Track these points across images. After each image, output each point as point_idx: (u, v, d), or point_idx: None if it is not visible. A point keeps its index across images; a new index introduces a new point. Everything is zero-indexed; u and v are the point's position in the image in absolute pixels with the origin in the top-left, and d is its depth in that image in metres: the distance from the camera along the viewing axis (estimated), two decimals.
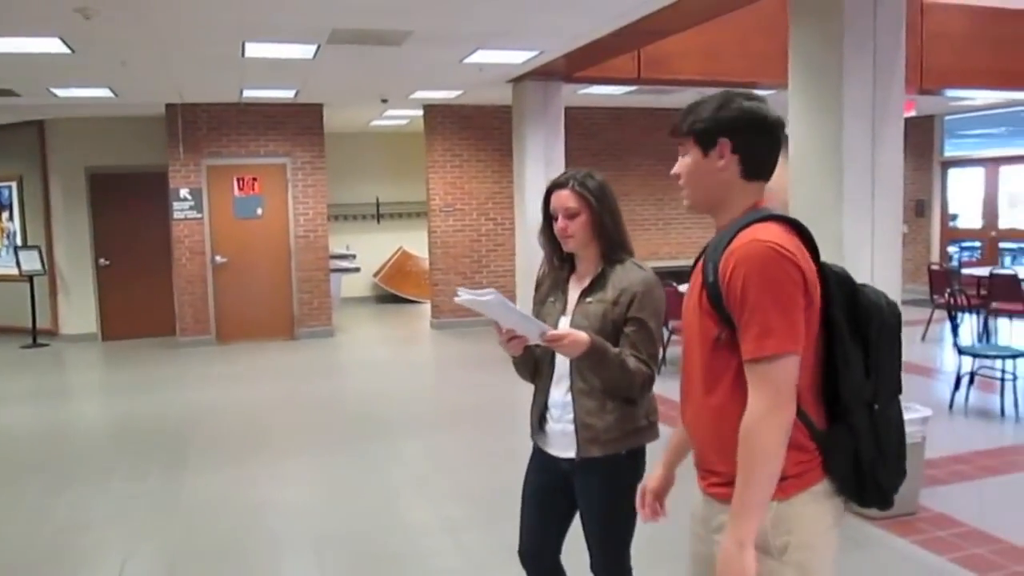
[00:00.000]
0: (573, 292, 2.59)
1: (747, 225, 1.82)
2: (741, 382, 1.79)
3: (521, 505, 2.73)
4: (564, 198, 2.53)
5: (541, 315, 2.59)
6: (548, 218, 2.59)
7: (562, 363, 2.54)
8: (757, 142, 1.89)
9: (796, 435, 1.78)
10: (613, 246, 2.54)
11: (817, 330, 1.83)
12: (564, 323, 2.52)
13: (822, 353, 1.85)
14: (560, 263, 2.64)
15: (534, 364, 2.64)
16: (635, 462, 2.55)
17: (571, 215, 2.51)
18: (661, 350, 8.08)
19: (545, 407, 2.61)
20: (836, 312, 1.84)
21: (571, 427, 2.52)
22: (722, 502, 1.85)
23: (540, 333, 2.35)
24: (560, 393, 2.56)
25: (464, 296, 2.29)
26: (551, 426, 2.60)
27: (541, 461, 2.67)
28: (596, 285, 2.53)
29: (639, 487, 2.28)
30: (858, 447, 1.84)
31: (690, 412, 1.98)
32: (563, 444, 2.55)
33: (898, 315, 1.92)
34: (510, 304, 2.32)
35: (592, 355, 2.37)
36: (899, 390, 1.93)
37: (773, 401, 1.73)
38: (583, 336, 2.35)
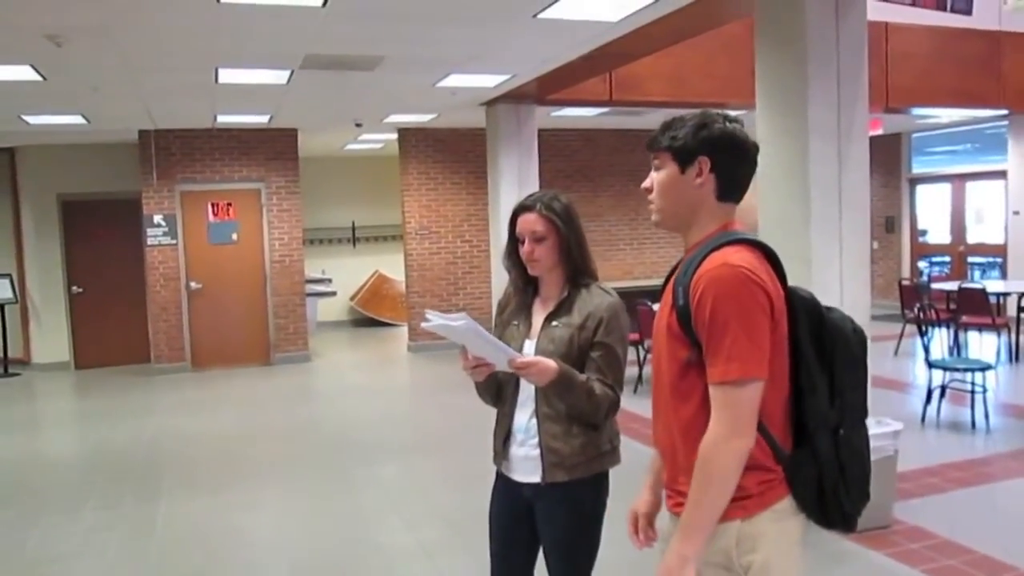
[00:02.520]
0: (538, 315, 2.57)
1: (717, 248, 1.83)
2: (708, 404, 1.79)
3: (489, 533, 2.69)
4: (531, 221, 2.50)
5: (504, 338, 2.55)
6: (514, 240, 2.56)
7: (527, 387, 2.50)
8: (735, 164, 1.90)
9: (760, 456, 1.80)
10: (578, 270, 2.52)
11: (786, 353, 1.85)
12: (529, 347, 2.50)
13: (790, 377, 1.86)
14: (524, 286, 2.61)
15: (497, 388, 2.59)
16: (599, 488, 2.53)
17: (538, 239, 2.48)
18: (638, 369, 8.19)
19: (509, 431, 2.56)
20: (802, 338, 1.86)
21: (535, 451, 2.48)
22: None
23: (508, 360, 2.32)
24: (525, 417, 2.52)
25: (434, 321, 2.23)
26: (515, 450, 2.55)
27: (504, 487, 2.62)
28: (562, 309, 2.50)
29: (630, 512, 2.22)
30: (821, 472, 1.84)
31: (660, 432, 1.98)
32: (526, 469, 2.52)
33: (864, 341, 1.93)
34: (481, 330, 2.29)
35: (560, 383, 2.35)
36: (864, 415, 1.94)
37: (733, 426, 1.75)
38: (551, 364, 2.33)
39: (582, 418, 2.45)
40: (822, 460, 1.84)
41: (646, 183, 1.98)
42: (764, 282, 1.78)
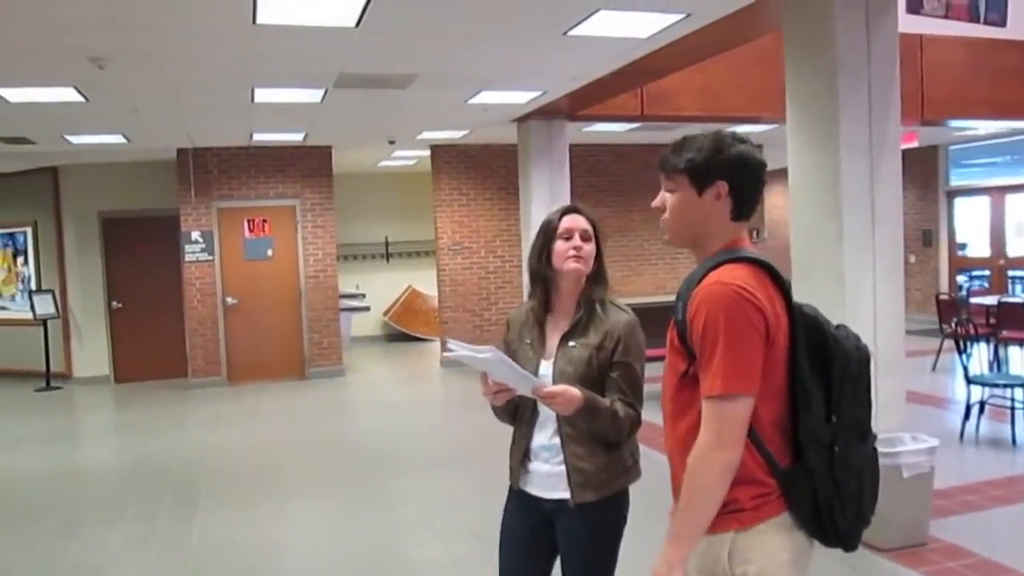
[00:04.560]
0: (552, 333, 2.54)
1: (718, 265, 1.88)
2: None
3: (500, 549, 2.66)
4: (581, 221, 2.52)
5: (516, 357, 2.51)
6: (546, 246, 2.51)
7: (534, 399, 2.45)
8: (749, 185, 1.94)
9: (754, 469, 1.83)
10: (600, 281, 2.53)
11: (784, 369, 1.87)
12: (545, 367, 2.48)
13: (788, 392, 1.88)
14: (543, 296, 2.55)
15: (514, 407, 2.56)
16: (621, 504, 2.53)
17: (586, 238, 2.50)
18: None
19: (528, 449, 2.54)
20: (799, 354, 1.88)
21: (559, 468, 2.46)
22: None
23: (533, 389, 2.31)
24: (546, 437, 2.51)
25: (458, 352, 2.21)
26: (536, 466, 2.53)
27: (521, 502, 2.59)
28: (578, 328, 2.48)
29: None
30: (816, 488, 1.85)
31: (667, 444, 2.02)
32: (548, 484, 2.50)
33: (867, 359, 1.95)
34: (507, 360, 2.28)
35: (586, 411, 2.34)
36: (865, 434, 1.94)
37: (717, 439, 1.79)
38: (576, 393, 2.31)
39: (606, 438, 2.45)
40: (815, 476, 1.85)
41: (656, 202, 2.01)
42: (758, 299, 1.81)
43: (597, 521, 2.49)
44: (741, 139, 1.94)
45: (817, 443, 1.86)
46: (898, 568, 4.17)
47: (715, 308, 1.80)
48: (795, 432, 1.88)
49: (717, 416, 1.79)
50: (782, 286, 1.90)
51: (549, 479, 2.50)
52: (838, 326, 1.95)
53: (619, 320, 2.48)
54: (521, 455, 2.56)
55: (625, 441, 2.49)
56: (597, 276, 2.52)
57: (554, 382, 2.40)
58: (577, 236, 2.49)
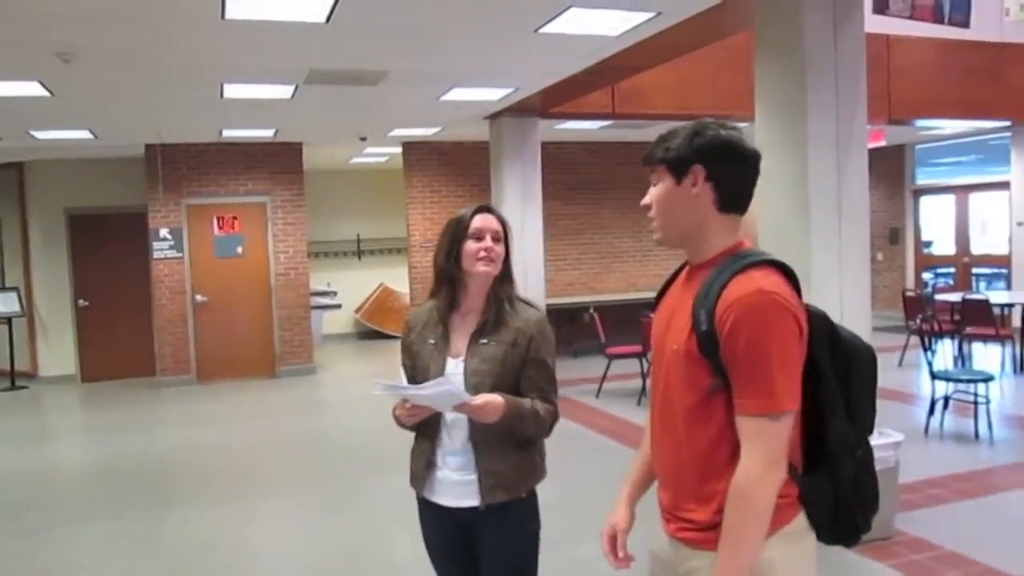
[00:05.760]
0: (458, 332, 2.47)
1: (742, 269, 1.73)
2: (730, 433, 1.73)
3: (433, 564, 2.62)
4: (493, 222, 2.47)
5: (420, 358, 2.48)
6: (457, 243, 2.46)
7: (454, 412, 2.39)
8: (732, 171, 1.81)
9: None
10: (508, 280, 2.49)
11: (804, 374, 1.77)
12: (454, 365, 2.42)
13: (808, 397, 1.78)
14: (449, 295, 2.48)
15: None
16: (535, 503, 2.50)
17: (497, 239, 2.46)
18: (641, 382, 8.20)
19: (433, 456, 2.46)
20: (821, 357, 1.79)
21: (471, 476, 2.39)
22: (693, 548, 1.80)
23: (457, 405, 2.26)
24: (457, 442, 2.42)
25: (391, 390, 2.25)
26: (444, 474, 2.44)
27: (435, 514, 2.51)
28: (490, 325, 2.43)
29: (605, 530, 2.07)
30: (838, 493, 1.80)
31: (667, 457, 1.89)
32: (459, 494, 2.42)
33: (875, 358, 1.87)
34: (458, 390, 2.24)
35: (510, 415, 2.31)
36: (871, 431, 1.88)
37: (770, 459, 1.68)
38: (500, 400, 2.29)
39: (529, 438, 2.43)
40: (842, 482, 1.80)
41: (645, 200, 1.88)
42: (795, 307, 1.71)
43: (518, 523, 2.46)
44: (725, 126, 1.82)
45: (846, 448, 1.80)
46: (865, 561, 4.23)
47: (760, 320, 1.67)
48: (815, 438, 1.81)
49: (766, 435, 1.68)
50: (798, 288, 1.80)
51: (460, 487, 2.42)
52: (839, 326, 1.86)
53: (530, 317, 2.46)
54: (427, 460, 2.48)
55: (547, 436, 2.47)
56: (504, 275, 2.48)
57: (466, 381, 2.35)
58: (488, 237, 2.43)
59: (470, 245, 2.43)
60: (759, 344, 1.67)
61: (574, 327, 11.19)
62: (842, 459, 1.79)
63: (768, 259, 1.79)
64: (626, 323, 9.25)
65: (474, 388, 2.33)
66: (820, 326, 1.80)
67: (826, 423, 1.79)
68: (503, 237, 2.48)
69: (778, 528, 1.74)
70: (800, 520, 1.79)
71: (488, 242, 2.43)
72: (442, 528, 2.53)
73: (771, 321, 1.67)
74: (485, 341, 2.42)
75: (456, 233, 2.47)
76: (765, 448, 1.68)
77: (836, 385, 1.80)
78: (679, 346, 1.79)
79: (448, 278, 2.47)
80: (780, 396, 1.67)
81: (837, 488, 1.79)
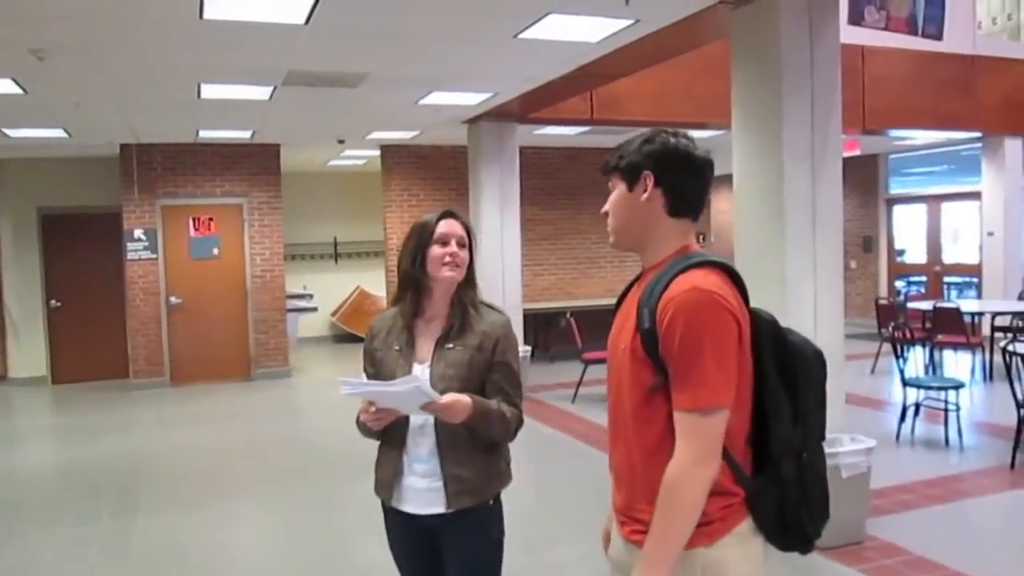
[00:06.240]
0: (423, 337, 2.47)
1: (684, 270, 1.79)
2: (673, 429, 1.75)
3: (399, 570, 2.61)
4: (458, 227, 2.47)
5: (384, 364, 2.48)
6: (422, 248, 2.45)
7: (419, 417, 2.38)
8: (681, 177, 1.86)
9: (723, 480, 1.77)
10: (471, 284, 2.50)
11: (750, 377, 1.82)
12: (419, 370, 2.41)
13: (753, 400, 1.83)
14: (414, 300, 2.48)
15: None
16: (500, 509, 2.49)
17: (462, 245, 2.46)
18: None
19: (399, 463, 2.44)
20: (766, 360, 1.83)
21: (438, 483, 2.39)
22: None
23: (424, 405, 2.25)
24: (424, 449, 2.41)
25: (361, 389, 2.24)
26: (411, 481, 2.43)
27: (401, 522, 2.49)
28: (455, 330, 2.43)
29: (605, 532, 2.11)
30: (783, 496, 1.82)
31: (619, 457, 1.92)
32: (426, 500, 2.41)
33: (824, 363, 1.90)
34: (426, 388, 2.22)
35: (476, 416, 2.31)
36: (823, 437, 1.91)
37: (701, 454, 1.71)
38: (466, 400, 2.29)
39: (495, 440, 2.44)
40: (786, 484, 1.82)
41: (605, 207, 1.96)
42: (733, 307, 1.75)
43: (482, 529, 2.45)
44: (678, 134, 1.88)
45: (789, 451, 1.83)
46: (836, 566, 4.26)
47: (694, 317, 1.71)
48: (762, 440, 1.84)
49: (697, 430, 1.71)
50: (743, 290, 1.84)
51: (427, 494, 2.41)
52: (789, 331, 1.90)
53: (495, 321, 2.47)
54: (394, 468, 2.45)
55: (512, 440, 2.48)
56: (468, 279, 2.49)
57: (432, 385, 2.31)
58: (454, 242, 2.44)
59: (435, 250, 2.43)
60: (693, 340, 1.71)
61: (551, 332, 11.21)
62: (783, 462, 1.82)
63: (711, 260, 1.84)
64: (603, 328, 9.08)
65: (441, 393, 2.31)
66: (766, 329, 1.85)
67: (771, 427, 1.83)
68: (468, 242, 2.48)
69: (730, 528, 1.78)
70: (748, 522, 1.82)
71: (453, 247, 2.43)
72: (407, 535, 2.52)
73: (705, 318, 1.71)
74: (451, 346, 2.42)
75: (421, 238, 2.46)
76: (696, 444, 1.71)
77: (779, 387, 1.83)
78: (626, 345, 1.84)
79: (413, 283, 2.46)
80: (712, 391, 1.71)
81: (780, 490, 1.82)
